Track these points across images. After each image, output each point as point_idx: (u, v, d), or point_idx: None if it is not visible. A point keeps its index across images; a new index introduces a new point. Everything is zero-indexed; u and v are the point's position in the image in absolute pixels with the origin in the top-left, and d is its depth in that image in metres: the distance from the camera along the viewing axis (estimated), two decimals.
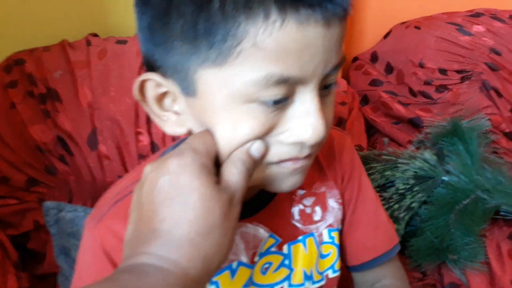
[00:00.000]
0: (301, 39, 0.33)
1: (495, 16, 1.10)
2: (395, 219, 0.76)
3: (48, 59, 0.82)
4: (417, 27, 1.09)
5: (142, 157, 0.79)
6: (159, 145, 0.80)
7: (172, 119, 0.40)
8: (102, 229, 0.43)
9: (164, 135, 0.80)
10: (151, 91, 0.39)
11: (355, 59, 1.18)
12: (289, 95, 0.35)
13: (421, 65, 1.04)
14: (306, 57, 0.34)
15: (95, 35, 0.92)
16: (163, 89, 0.38)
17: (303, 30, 0.32)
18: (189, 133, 0.40)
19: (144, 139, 0.79)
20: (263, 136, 0.36)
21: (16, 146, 0.78)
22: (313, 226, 0.52)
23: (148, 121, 0.80)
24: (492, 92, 1.02)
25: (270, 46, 0.32)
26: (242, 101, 0.35)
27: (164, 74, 0.37)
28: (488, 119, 0.97)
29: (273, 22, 0.32)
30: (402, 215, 0.75)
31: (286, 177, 0.40)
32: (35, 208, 0.79)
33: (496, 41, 1.05)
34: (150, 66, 0.39)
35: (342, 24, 0.35)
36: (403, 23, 1.14)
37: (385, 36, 1.14)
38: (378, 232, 0.57)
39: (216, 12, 0.32)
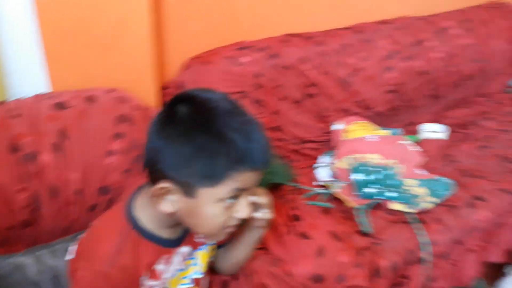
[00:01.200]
0: (253, 175, 0.72)
1: (254, 47, 1.58)
2: None
3: None
4: (205, 62, 1.50)
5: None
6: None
7: (167, 202, 0.73)
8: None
9: None
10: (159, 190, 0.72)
11: (166, 87, 1.52)
12: (239, 195, 0.74)
13: None
14: (252, 180, 0.73)
15: None
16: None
17: (255, 172, 0.72)
18: (174, 212, 0.74)
19: None
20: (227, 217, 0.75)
21: None
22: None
23: None
24: (258, 104, 1.54)
25: (239, 179, 0.70)
26: (219, 201, 0.71)
27: (172, 182, 0.70)
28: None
29: (245, 172, 0.70)
30: None
31: (224, 235, 0.79)
32: None
33: (258, 66, 1.56)
34: (159, 175, 0.71)
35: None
36: (196, 57, 1.53)
37: (184, 68, 1.52)
38: None
39: (220, 169, 0.68)
